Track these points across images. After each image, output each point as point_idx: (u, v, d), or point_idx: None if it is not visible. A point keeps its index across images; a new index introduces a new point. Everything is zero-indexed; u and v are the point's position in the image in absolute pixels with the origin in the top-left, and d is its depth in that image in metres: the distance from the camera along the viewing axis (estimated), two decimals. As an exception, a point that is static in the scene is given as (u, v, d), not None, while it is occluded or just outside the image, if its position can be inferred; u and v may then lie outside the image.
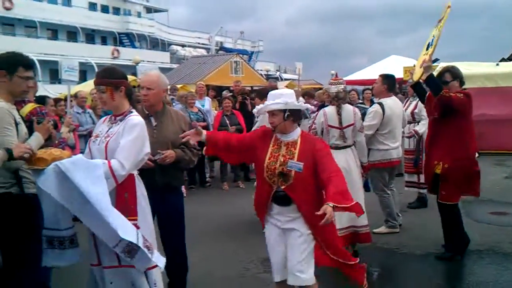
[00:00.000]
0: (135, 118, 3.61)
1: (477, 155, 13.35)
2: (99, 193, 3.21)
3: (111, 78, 3.66)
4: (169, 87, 13.27)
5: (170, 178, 4.33)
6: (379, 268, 5.74)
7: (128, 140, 3.47)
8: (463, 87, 5.77)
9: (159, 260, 3.51)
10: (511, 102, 13.67)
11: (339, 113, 5.79)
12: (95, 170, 3.29)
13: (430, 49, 5.68)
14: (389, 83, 6.85)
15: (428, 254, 5.88)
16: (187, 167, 4.77)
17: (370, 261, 5.84)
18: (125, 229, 3.26)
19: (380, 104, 6.66)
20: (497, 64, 15.79)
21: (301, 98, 11.37)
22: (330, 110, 5.83)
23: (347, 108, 5.88)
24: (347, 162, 5.75)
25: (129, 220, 3.41)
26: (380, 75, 7.02)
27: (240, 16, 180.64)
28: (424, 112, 7.43)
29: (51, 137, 4.14)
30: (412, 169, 8.18)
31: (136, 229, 3.39)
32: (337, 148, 5.74)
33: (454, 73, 5.70)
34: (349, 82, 12.39)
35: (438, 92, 5.44)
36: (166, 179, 4.26)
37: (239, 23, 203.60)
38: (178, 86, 14.83)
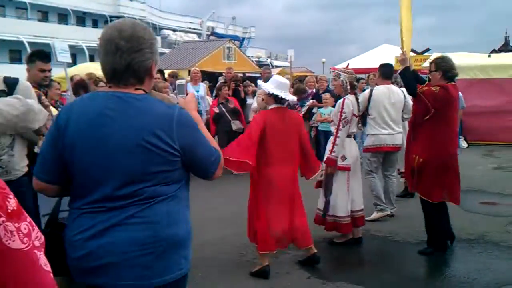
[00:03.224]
0: None
1: (465, 145, 13.56)
2: None
3: None
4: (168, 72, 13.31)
5: None
6: (373, 256, 5.87)
7: None
8: (460, 78, 5.76)
9: None
10: (501, 93, 13.87)
11: (358, 102, 6.00)
12: None
13: (402, 42, 5.75)
14: (383, 71, 7.10)
15: (420, 242, 5.99)
16: None
17: (364, 248, 6.01)
18: None
19: (371, 89, 6.95)
20: (489, 56, 15.98)
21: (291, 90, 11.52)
22: (353, 99, 5.94)
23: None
24: (356, 149, 6.06)
25: None
26: (379, 65, 7.28)
27: (236, 1, 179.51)
28: None
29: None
30: None
31: None
32: (350, 136, 5.94)
33: (437, 63, 5.62)
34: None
35: (410, 87, 5.59)
36: None
37: (235, 8, 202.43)
38: (166, 72, 14.80)
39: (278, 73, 20.27)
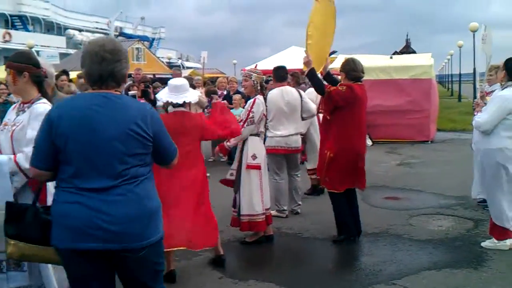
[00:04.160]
0: (41, 106, 3.49)
1: (370, 143, 14.12)
2: None
3: (14, 61, 3.57)
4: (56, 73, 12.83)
5: None
6: (284, 253, 6.00)
7: (34, 130, 3.31)
8: (364, 79, 6.06)
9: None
10: (402, 93, 14.53)
11: (265, 102, 6.10)
12: (1, 167, 3.25)
13: (307, 45, 5.93)
14: (277, 74, 7.19)
15: (328, 237, 6.20)
16: None
17: (276, 245, 6.13)
18: None
19: (266, 94, 6.90)
20: (391, 57, 16.72)
21: (202, 90, 11.51)
22: (262, 99, 6.05)
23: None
24: (263, 148, 6.16)
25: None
26: (273, 68, 7.35)
27: (146, 2, 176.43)
28: None
29: None
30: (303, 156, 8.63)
31: None
32: (258, 135, 6.05)
33: (342, 65, 6.01)
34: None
35: (317, 86, 5.88)
36: None
37: (144, 9, 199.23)
38: (75, 73, 14.27)
39: (190, 74, 20.22)
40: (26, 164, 3.25)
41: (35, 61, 3.64)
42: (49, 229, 2.82)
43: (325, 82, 6.03)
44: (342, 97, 5.71)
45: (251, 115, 5.88)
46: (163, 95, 4.99)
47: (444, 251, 5.71)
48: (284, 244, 6.23)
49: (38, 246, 2.97)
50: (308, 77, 5.99)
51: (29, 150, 3.27)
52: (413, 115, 14.45)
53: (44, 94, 3.64)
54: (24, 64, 3.57)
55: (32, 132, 3.32)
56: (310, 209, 7.45)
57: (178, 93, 4.87)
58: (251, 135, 5.97)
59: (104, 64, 2.80)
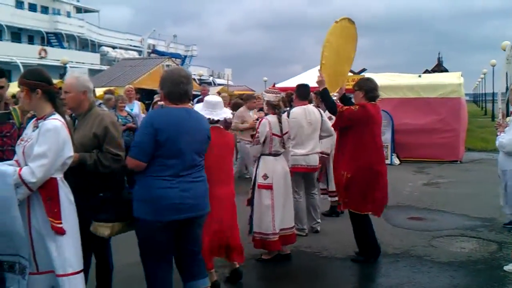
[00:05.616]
0: (50, 122, 3.54)
1: (397, 162, 13.94)
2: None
3: (28, 79, 3.65)
4: (98, 89, 13.07)
5: (81, 182, 4.00)
6: (301, 271, 5.92)
7: (41, 147, 3.43)
8: (381, 97, 6.01)
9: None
10: (431, 112, 14.34)
11: (280, 122, 5.99)
12: (5, 178, 3.31)
13: (321, 64, 5.91)
14: (299, 92, 7.09)
15: (347, 257, 6.11)
16: (98, 171, 4.21)
17: (294, 263, 6.07)
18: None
19: (288, 112, 6.91)
20: (420, 76, 16.56)
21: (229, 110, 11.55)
22: (273, 119, 5.99)
23: (283, 117, 6.14)
24: (284, 167, 6.06)
25: (55, 224, 3.44)
26: (296, 86, 7.28)
27: (180, 20, 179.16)
28: None
29: None
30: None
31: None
32: (277, 154, 5.99)
33: (359, 83, 5.93)
34: (282, 89, 12.59)
35: (330, 106, 5.89)
36: (75, 182, 3.85)
37: (179, 27, 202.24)
38: (103, 89, 14.47)
39: (219, 91, 20.34)
40: (30, 178, 3.33)
41: (47, 77, 3.73)
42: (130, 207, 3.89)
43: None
44: (355, 116, 5.68)
45: (257, 135, 5.93)
46: (200, 112, 4.99)
47: (465, 274, 5.57)
48: (302, 262, 6.15)
49: (124, 222, 4.00)
50: (320, 97, 5.99)
51: (34, 165, 3.36)
52: (442, 134, 14.24)
53: (57, 109, 3.69)
54: (37, 81, 3.65)
55: (39, 148, 3.42)
56: (329, 228, 7.36)
57: (215, 110, 4.97)
58: (263, 154, 5.97)
59: (181, 86, 3.92)
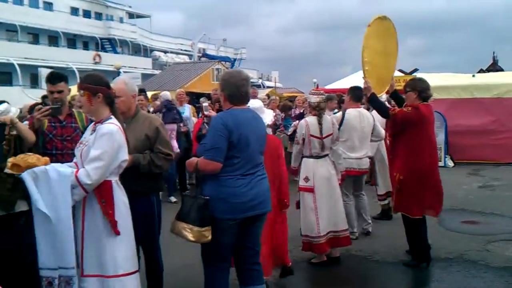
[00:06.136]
0: (106, 126, 3.63)
1: (452, 164, 13.60)
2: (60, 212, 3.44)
3: (90, 83, 3.75)
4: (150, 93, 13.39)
5: (132, 184, 4.02)
6: (351, 275, 5.89)
7: (96, 150, 3.53)
8: (433, 97, 5.91)
9: None
10: (486, 113, 13.98)
11: (320, 123, 5.92)
12: (64, 181, 3.43)
13: (364, 71, 5.84)
14: (353, 95, 7.01)
15: (399, 261, 6.03)
16: (151, 171, 4.37)
17: (344, 267, 6.03)
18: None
19: (343, 113, 6.89)
20: (474, 76, 16.13)
21: (277, 111, 11.59)
22: (312, 120, 5.96)
23: (326, 118, 6.04)
24: (327, 170, 5.98)
25: (109, 225, 3.55)
26: (349, 88, 7.22)
27: (229, 24, 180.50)
28: None
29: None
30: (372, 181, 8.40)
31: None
32: (318, 157, 5.95)
33: (411, 84, 5.83)
34: (331, 91, 12.53)
35: (381, 110, 5.85)
36: (127, 185, 3.89)
37: (228, 31, 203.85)
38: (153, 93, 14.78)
39: (268, 94, 20.44)
40: (85, 180, 3.44)
41: (107, 82, 3.85)
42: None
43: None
44: (408, 118, 5.59)
45: (296, 135, 6.04)
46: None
47: (522, 280, 5.40)
48: (353, 266, 6.11)
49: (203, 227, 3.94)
50: (369, 103, 5.94)
51: (90, 167, 3.46)
52: (498, 136, 13.87)
53: (114, 113, 3.80)
54: (98, 85, 3.75)
55: (95, 151, 3.52)
56: (381, 232, 7.28)
57: (261, 114, 4.93)
58: (304, 156, 5.97)
59: (243, 88, 4.07)
